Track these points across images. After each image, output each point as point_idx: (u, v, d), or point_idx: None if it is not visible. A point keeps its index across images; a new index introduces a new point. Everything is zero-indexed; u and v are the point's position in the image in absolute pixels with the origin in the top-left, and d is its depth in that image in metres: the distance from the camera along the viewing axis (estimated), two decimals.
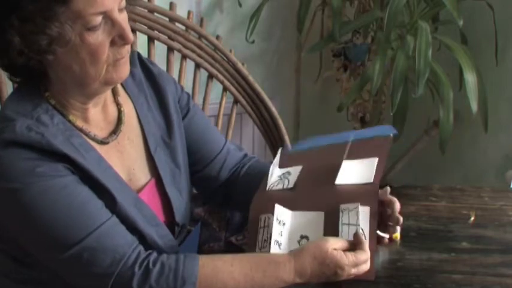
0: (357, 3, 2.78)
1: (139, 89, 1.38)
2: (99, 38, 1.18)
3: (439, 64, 2.37)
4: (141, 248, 1.22)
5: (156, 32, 2.04)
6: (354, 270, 1.22)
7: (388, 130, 1.42)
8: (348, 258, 1.21)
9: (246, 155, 1.55)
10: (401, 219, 1.35)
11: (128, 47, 1.24)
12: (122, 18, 1.21)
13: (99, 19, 1.17)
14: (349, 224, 1.25)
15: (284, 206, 1.29)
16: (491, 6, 2.50)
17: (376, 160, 1.33)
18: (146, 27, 2.03)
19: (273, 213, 1.26)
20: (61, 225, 1.17)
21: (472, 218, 1.58)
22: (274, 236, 1.24)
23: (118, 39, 1.20)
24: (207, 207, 2.01)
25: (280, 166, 1.40)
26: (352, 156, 1.36)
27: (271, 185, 1.35)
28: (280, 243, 1.25)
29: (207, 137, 1.49)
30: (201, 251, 1.69)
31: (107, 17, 1.18)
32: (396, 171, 2.81)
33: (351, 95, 2.49)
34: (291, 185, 1.33)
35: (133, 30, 2.02)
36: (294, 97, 3.09)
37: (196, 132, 1.47)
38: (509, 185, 2.46)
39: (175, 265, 1.19)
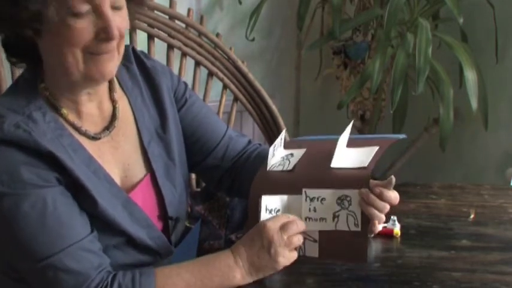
0: (357, 0, 2.78)
1: (133, 83, 1.38)
2: (81, 24, 1.18)
3: (439, 62, 2.37)
4: (107, 270, 1.21)
5: (156, 29, 2.04)
6: (285, 237, 1.21)
7: (397, 136, 1.42)
8: (274, 223, 1.22)
9: (249, 142, 1.54)
10: (387, 208, 1.29)
11: (113, 44, 1.23)
12: (114, 16, 1.21)
13: (85, 7, 1.17)
14: (340, 210, 1.27)
15: (281, 188, 1.29)
16: (491, 4, 2.50)
17: (376, 148, 1.33)
18: (146, 25, 2.03)
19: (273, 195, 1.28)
20: (32, 239, 1.17)
21: (472, 216, 1.58)
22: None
23: (101, 32, 1.20)
24: (207, 204, 2.01)
25: (286, 147, 1.40)
26: (354, 145, 1.36)
27: (273, 166, 1.35)
28: None
29: (207, 126, 1.49)
30: (201, 248, 1.69)
31: (96, 9, 1.19)
32: (396, 169, 2.81)
33: (351, 92, 2.49)
34: (290, 167, 1.33)
35: (133, 28, 2.02)
36: (294, 95, 3.09)
37: (195, 121, 1.47)
38: (510, 183, 2.46)
39: (131, 285, 1.19)
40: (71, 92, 1.27)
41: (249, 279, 1.23)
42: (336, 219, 1.27)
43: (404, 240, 1.46)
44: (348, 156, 1.33)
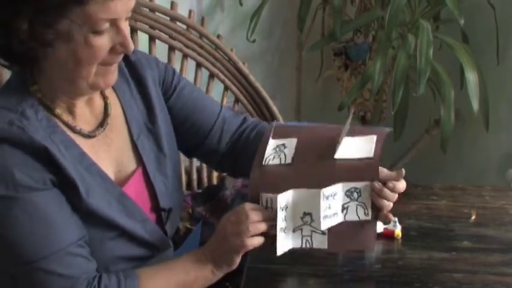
0: (358, 2, 2.78)
1: (121, 78, 1.38)
2: (101, 41, 1.19)
3: (440, 63, 2.37)
4: (93, 275, 1.23)
5: (157, 31, 2.04)
6: (236, 227, 1.24)
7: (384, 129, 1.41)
8: (228, 216, 1.27)
9: (245, 119, 1.53)
10: (396, 197, 1.31)
11: (122, 55, 1.25)
12: (126, 27, 1.22)
13: (107, 25, 1.18)
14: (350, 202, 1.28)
15: (285, 184, 1.28)
16: (492, 5, 2.50)
17: (374, 137, 1.33)
18: (147, 26, 2.03)
19: (273, 193, 1.26)
20: (21, 242, 1.18)
21: (473, 217, 1.58)
22: (280, 224, 1.25)
23: (119, 47, 1.22)
24: (208, 206, 2.01)
25: (274, 136, 1.38)
26: (350, 134, 1.35)
27: (267, 159, 1.34)
28: (285, 228, 1.26)
29: (200, 109, 1.48)
30: None
31: (114, 24, 1.20)
32: (397, 170, 2.80)
33: (352, 94, 2.48)
34: (288, 160, 1.32)
35: (135, 29, 2.03)
36: (294, 96, 3.09)
37: (187, 106, 1.47)
38: (510, 184, 2.46)
39: (117, 287, 1.23)
40: (68, 96, 1.27)
41: (217, 272, 1.28)
42: (344, 211, 1.28)
43: (405, 242, 1.46)
44: (350, 146, 1.32)
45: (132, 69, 1.41)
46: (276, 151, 1.34)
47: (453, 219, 1.57)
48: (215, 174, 2.22)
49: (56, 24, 1.16)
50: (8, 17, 1.16)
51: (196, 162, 2.20)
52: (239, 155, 1.50)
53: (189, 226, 2.03)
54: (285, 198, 1.26)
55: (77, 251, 1.21)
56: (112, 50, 1.22)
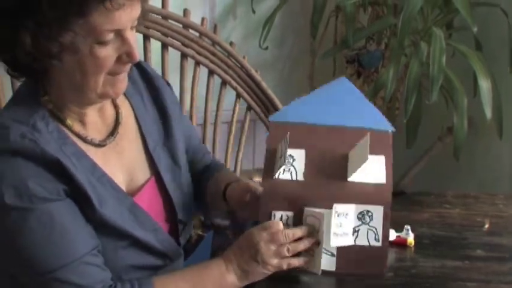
0: (371, 9, 2.78)
1: (134, 89, 1.39)
2: (107, 52, 1.19)
3: (453, 71, 2.36)
4: (108, 284, 1.23)
5: (169, 38, 2.05)
6: (272, 248, 1.23)
7: (382, 123, 1.39)
8: (260, 232, 1.24)
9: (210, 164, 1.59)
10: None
11: (129, 64, 1.25)
12: (132, 36, 1.22)
13: (111, 35, 1.18)
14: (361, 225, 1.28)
15: (297, 203, 1.29)
16: (505, 12, 2.49)
17: (383, 158, 1.32)
18: (160, 34, 2.04)
19: (285, 210, 1.28)
20: (36, 253, 1.18)
21: (487, 226, 1.57)
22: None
23: (125, 57, 1.22)
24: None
25: (275, 138, 1.38)
26: (346, 135, 1.35)
27: (278, 172, 1.32)
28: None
29: (193, 139, 1.56)
30: (214, 257, 1.69)
31: (119, 34, 1.19)
32: (410, 178, 2.79)
33: None
34: (300, 177, 1.32)
35: (147, 37, 2.03)
36: None
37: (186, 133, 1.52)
38: None
39: None
40: (79, 106, 1.27)
41: (240, 285, 1.27)
42: (355, 234, 1.27)
43: (418, 250, 1.45)
44: (362, 168, 1.31)
45: (148, 81, 1.42)
46: (286, 163, 1.32)
47: (466, 227, 1.57)
48: None
49: (60, 37, 1.15)
50: (10, 30, 1.16)
51: None
52: (200, 183, 1.53)
53: (200, 233, 2.03)
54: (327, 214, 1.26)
55: (92, 261, 1.22)
56: (118, 60, 1.22)
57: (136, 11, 1.20)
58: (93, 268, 1.22)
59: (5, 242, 1.20)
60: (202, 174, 1.55)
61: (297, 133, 1.36)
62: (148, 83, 1.42)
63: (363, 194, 1.28)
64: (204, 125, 2.11)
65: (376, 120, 1.38)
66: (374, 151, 1.30)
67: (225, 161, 2.12)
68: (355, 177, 1.30)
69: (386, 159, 1.32)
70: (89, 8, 1.13)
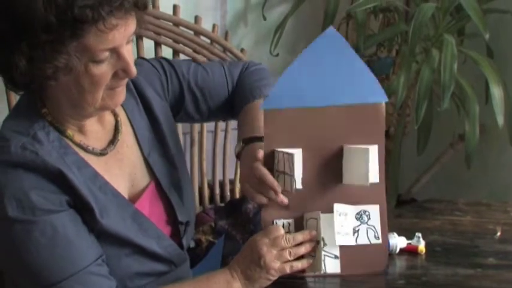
0: (382, 16, 2.78)
1: (129, 94, 1.38)
2: (103, 69, 1.19)
3: (464, 77, 2.36)
4: None
5: (181, 45, 2.06)
6: (274, 252, 1.25)
7: (375, 92, 1.35)
8: (262, 238, 1.26)
9: (244, 66, 1.55)
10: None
11: (126, 79, 1.25)
12: (128, 50, 1.21)
13: (106, 54, 1.17)
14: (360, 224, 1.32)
15: (297, 210, 1.32)
16: None
17: (376, 148, 1.32)
18: (171, 41, 2.05)
19: (287, 218, 1.32)
20: (42, 265, 1.18)
21: (499, 233, 1.56)
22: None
23: (121, 73, 1.21)
24: (231, 219, 2.01)
25: (272, 126, 1.34)
26: (350, 140, 1.33)
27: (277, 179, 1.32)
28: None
29: (213, 90, 1.50)
30: (225, 263, 1.69)
31: (114, 51, 1.19)
32: (421, 185, 2.79)
33: None
34: (298, 185, 1.31)
35: (158, 43, 2.04)
36: None
37: (198, 85, 1.48)
38: None
39: None
40: (78, 119, 1.27)
41: None
42: (356, 234, 1.32)
43: (429, 258, 1.45)
44: (355, 169, 1.32)
45: (136, 86, 1.40)
46: (285, 173, 1.32)
47: (478, 235, 1.56)
48: (238, 188, 2.22)
49: (54, 60, 1.14)
50: (6, 54, 1.16)
51: (219, 176, 2.20)
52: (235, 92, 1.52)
53: (211, 239, 2.04)
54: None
55: (96, 270, 1.22)
56: (115, 75, 1.21)
57: (131, 27, 1.19)
58: (98, 278, 1.22)
59: (9, 255, 1.20)
60: (234, 98, 1.52)
61: (291, 120, 1.33)
62: (136, 88, 1.40)
63: (358, 195, 1.32)
64: (215, 132, 2.12)
65: (369, 88, 1.33)
66: (367, 126, 1.32)
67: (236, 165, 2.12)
68: (349, 179, 1.32)
69: (379, 147, 1.32)
70: (82, 30, 1.12)
